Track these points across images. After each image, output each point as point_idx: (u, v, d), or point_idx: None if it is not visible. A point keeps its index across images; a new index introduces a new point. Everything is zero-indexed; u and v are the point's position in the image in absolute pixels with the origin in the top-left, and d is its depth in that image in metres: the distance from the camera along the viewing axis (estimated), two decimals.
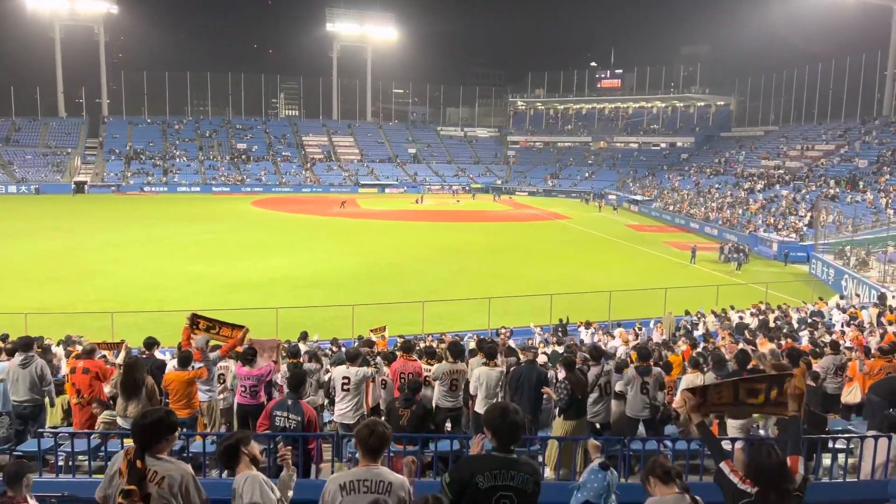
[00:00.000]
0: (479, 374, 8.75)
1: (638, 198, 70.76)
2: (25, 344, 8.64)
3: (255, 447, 4.38)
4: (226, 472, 6.54)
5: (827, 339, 14.10)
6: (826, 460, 7.44)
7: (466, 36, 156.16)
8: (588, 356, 9.10)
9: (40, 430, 7.91)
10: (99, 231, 43.66)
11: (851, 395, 10.30)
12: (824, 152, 63.42)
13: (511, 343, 14.46)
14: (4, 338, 14.25)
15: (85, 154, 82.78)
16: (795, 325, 18.21)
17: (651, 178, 79.97)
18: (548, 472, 7.69)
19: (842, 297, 26.46)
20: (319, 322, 20.54)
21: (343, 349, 12.73)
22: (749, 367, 9.30)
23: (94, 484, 4.42)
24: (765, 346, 13.18)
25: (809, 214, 45.45)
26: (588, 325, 20.01)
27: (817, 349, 12.44)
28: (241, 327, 9.73)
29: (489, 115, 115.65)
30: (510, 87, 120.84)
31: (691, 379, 9.67)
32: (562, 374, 8.47)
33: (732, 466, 4.10)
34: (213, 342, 9.86)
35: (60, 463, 7.32)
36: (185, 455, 6.79)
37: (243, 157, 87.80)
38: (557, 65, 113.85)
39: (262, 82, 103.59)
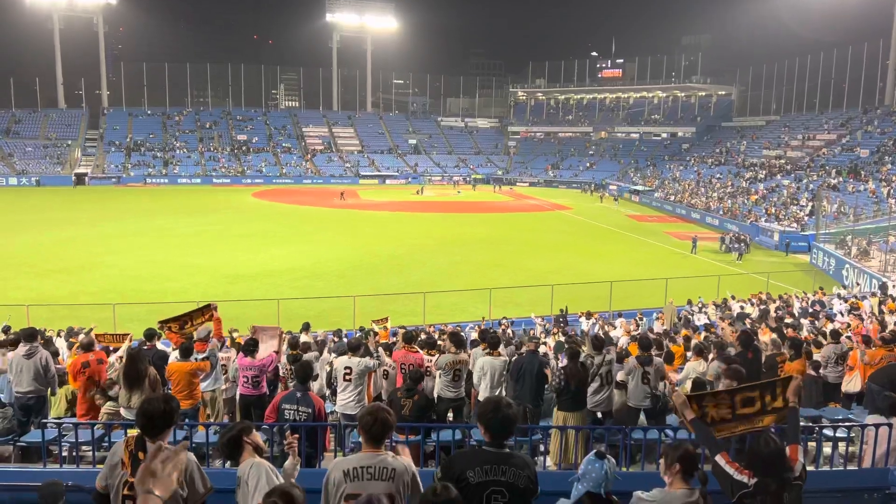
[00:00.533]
0: (483, 364, 8.79)
1: (639, 188, 70.66)
2: (29, 335, 8.62)
3: (258, 436, 4.44)
4: (228, 462, 6.60)
5: (828, 328, 14.12)
6: (826, 449, 7.47)
7: (467, 26, 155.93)
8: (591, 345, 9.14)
9: (44, 420, 7.94)
10: (100, 222, 43.65)
11: (852, 384, 10.32)
12: (826, 142, 63.29)
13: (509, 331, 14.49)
14: (6, 329, 14.29)
15: (85, 146, 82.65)
16: (797, 315, 18.23)
17: (652, 168, 79.83)
18: (549, 462, 7.74)
19: (843, 287, 26.48)
20: (321, 313, 20.59)
21: (345, 340, 12.77)
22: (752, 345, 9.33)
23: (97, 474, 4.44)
24: (766, 336, 13.21)
25: (811, 204, 45.40)
26: (589, 315, 20.05)
27: (818, 338, 12.46)
28: (208, 306, 9.85)
29: (490, 105, 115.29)
30: (511, 78, 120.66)
31: (694, 366, 9.70)
32: (563, 363, 8.51)
33: (728, 458, 4.11)
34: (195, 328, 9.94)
35: (64, 454, 7.36)
36: (188, 445, 6.82)
37: (244, 148, 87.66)
38: (558, 55, 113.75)
39: (262, 73, 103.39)
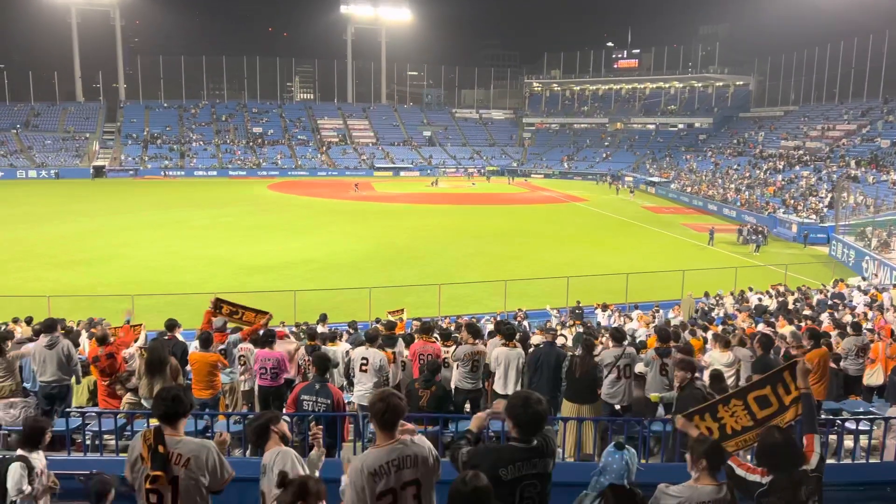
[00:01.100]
0: (499, 355, 8.80)
1: (655, 179, 70.11)
2: (49, 326, 8.76)
3: (284, 426, 4.53)
4: (248, 452, 6.67)
5: (848, 319, 13.97)
6: (848, 442, 7.41)
7: (481, 17, 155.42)
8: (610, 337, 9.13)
9: (67, 409, 8.05)
10: (118, 214, 44.11)
11: (874, 376, 10.22)
12: (845, 132, 62.38)
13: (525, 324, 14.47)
14: (29, 320, 14.52)
15: (103, 138, 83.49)
16: (815, 307, 18.06)
17: (668, 159, 79.17)
18: (566, 454, 7.72)
19: (863, 279, 26.18)
20: (337, 304, 20.67)
21: (360, 331, 12.80)
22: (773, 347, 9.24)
23: (120, 462, 4.52)
24: (784, 328, 13.10)
25: (830, 195, 44.83)
26: (605, 307, 19.98)
27: (839, 330, 12.32)
28: (264, 313, 9.78)
29: (504, 96, 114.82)
30: (526, 69, 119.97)
31: (717, 356, 9.64)
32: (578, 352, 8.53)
33: (739, 461, 4.08)
34: (231, 325, 9.94)
35: (87, 442, 7.46)
36: (208, 434, 6.91)
37: (259, 140, 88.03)
38: (573, 45, 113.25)
39: (277, 66, 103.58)
